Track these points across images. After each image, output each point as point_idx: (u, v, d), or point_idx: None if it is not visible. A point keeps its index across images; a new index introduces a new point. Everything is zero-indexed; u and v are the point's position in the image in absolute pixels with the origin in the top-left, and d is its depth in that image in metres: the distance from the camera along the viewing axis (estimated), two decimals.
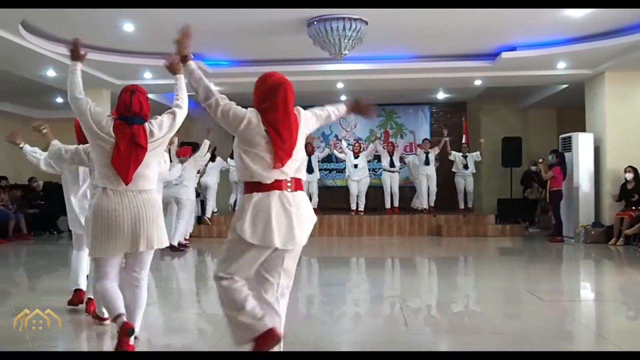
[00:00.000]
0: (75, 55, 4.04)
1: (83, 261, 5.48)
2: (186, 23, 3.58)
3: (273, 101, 3.37)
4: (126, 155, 3.89)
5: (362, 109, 3.90)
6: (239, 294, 3.36)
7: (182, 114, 4.18)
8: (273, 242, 3.27)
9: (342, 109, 3.84)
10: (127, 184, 3.91)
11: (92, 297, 5.08)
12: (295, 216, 3.34)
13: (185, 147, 10.12)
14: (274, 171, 3.33)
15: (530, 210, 14.12)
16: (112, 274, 4.09)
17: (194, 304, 6.55)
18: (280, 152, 3.32)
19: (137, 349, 4.03)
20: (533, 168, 13.21)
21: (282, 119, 3.36)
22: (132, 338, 3.85)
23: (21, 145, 5.51)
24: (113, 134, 3.91)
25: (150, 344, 4.48)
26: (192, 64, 3.50)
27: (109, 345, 4.50)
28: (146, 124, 4.03)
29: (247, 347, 3.36)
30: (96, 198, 3.96)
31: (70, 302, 5.45)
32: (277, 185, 3.33)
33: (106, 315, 4.17)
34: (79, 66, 4.04)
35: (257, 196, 3.32)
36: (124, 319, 3.91)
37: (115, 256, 4.04)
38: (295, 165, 3.42)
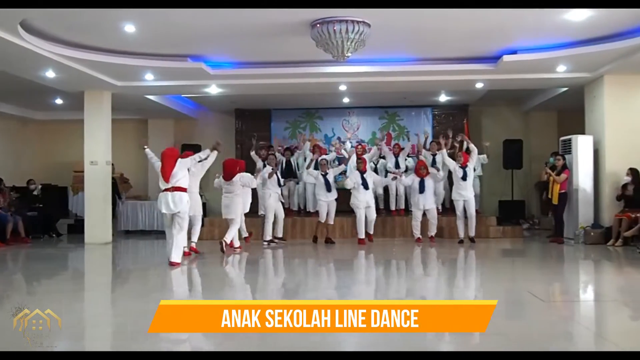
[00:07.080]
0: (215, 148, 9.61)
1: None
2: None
3: (161, 159, 8.78)
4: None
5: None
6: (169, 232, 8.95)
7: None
8: (161, 208, 8.72)
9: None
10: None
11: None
12: (171, 200, 8.58)
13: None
14: (165, 183, 8.63)
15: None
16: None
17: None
18: (163, 177, 8.63)
19: None
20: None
21: (162, 166, 8.71)
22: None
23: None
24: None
25: None
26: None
27: (109, 344, 4.56)
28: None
29: None
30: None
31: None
32: (167, 189, 8.64)
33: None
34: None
35: (160, 193, 8.72)
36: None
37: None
38: (176, 182, 8.67)
